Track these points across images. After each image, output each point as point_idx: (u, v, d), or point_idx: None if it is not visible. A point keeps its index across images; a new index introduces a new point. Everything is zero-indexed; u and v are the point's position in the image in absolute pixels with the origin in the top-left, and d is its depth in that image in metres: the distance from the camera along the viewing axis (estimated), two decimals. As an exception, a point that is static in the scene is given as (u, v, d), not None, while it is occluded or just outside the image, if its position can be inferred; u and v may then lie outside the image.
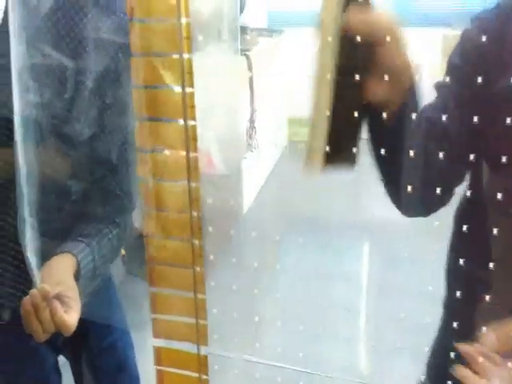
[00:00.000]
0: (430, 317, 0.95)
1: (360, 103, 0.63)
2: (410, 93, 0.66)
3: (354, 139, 0.65)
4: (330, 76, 0.59)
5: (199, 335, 0.66)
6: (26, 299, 0.81)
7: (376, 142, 0.69)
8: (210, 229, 0.63)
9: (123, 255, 2.23)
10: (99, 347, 1.17)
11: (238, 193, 3.30)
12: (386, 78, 0.61)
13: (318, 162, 0.64)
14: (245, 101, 3.28)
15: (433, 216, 0.83)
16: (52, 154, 0.87)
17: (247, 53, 3.31)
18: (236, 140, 3.16)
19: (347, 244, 2.94)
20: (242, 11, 3.43)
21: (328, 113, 0.61)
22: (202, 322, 0.66)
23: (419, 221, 0.83)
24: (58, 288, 0.84)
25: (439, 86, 0.83)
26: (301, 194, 2.85)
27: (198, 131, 0.60)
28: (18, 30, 0.76)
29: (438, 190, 0.70)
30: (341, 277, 2.59)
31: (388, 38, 0.58)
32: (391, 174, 0.73)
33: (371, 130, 0.68)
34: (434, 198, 0.72)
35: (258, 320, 1.98)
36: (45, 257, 0.88)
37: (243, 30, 3.52)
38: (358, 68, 0.60)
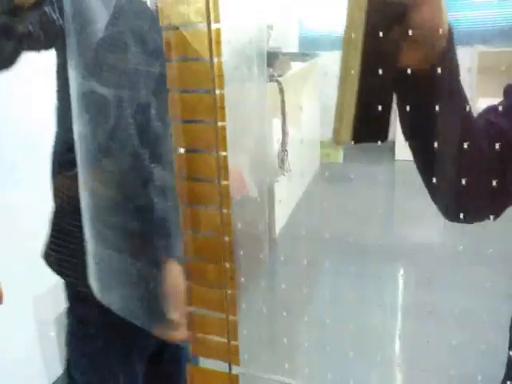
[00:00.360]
0: (457, 339, 0.95)
1: (393, 67, 0.57)
2: (446, 56, 0.59)
3: (385, 109, 0.58)
4: (359, 38, 0.56)
5: (231, 355, 0.69)
6: None
7: (413, 121, 0.63)
8: (242, 252, 0.67)
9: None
10: (172, 357, 1.25)
11: (270, 216, 3.33)
12: (421, 39, 0.56)
13: (347, 134, 0.58)
14: (277, 125, 3.34)
15: (468, 237, 0.78)
16: (97, 181, 0.93)
17: (279, 78, 3.36)
18: (268, 163, 3.21)
19: (380, 267, 2.93)
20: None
21: (357, 80, 0.57)
22: (233, 342, 0.69)
23: (453, 244, 0.83)
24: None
25: (510, 91, 0.74)
26: (333, 217, 2.86)
27: (231, 155, 0.64)
28: (73, 61, 0.83)
29: (488, 199, 0.63)
30: (372, 300, 2.58)
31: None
32: (432, 166, 0.65)
33: (404, 107, 0.62)
34: (483, 206, 0.66)
35: (288, 342, 2.00)
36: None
37: (275, 55, 3.59)
38: (390, 29, 0.55)
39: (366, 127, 0.59)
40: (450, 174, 0.63)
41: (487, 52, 4.10)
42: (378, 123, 0.59)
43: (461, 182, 0.61)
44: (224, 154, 0.62)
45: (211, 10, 0.55)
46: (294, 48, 4.81)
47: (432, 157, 0.62)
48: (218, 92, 0.57)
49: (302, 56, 4.23)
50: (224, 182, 0.63)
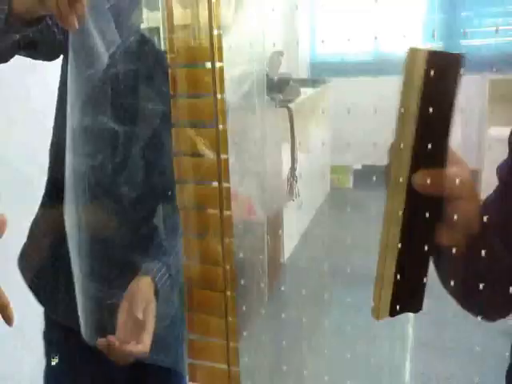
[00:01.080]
0: (478, 377, 0.94)
1: (429, 246, 0.60)
2: (480, 238, 0.61)
3: (421, 282, 0.61)
4: (399, 216, 0.58)
5: (231, 381, 0.70)
6: (101, 341, 0.89)
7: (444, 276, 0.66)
8: (243, 281, 0.69)
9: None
10: None
11: (279, 241, 3.34)
12: (456, 225, 0.58)
13: (386, 311, 0.61)
14: (286, 150, 3.37)
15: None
16: (100, 212, 0.96)
17: (289, 104, 3.40)
18: (277, 189, 3.23)
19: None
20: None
21: (395, 260, 0.59)
22: (234, 368, 0.70)
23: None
24: (142, 307, 0.91)
25: None
26: (342, 244, 2.86)
27: (238, 181, 0.66)
28: (74, 97, 0.86)
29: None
30: (378, 331, 2.56)
31: (461, 195, 0.57)
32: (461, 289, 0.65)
33: (439, 267, 0.65)
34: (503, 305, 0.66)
35: (287, 370, 1.99)
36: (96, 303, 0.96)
37: (285, 81, 3.64)
38: (428, 211, 0.58)
39: (404, 301, 0.61)
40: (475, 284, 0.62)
41: (499, 80, 4.11)
42: (415, 296, 0.61)
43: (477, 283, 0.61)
44: (227, 185, 0.64)
45: (215, 50, 0.58)
46: (304, 74, 4.87)
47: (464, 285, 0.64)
48: (220, 127, 0.60)
49: (312, 82, 4.28)
50: (227, 213, 0.65)
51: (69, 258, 0.97)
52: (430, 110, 0.53)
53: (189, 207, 0.68)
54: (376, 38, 4.59)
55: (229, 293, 0.66)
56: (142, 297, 0.93)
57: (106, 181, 0.93)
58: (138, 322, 0.90)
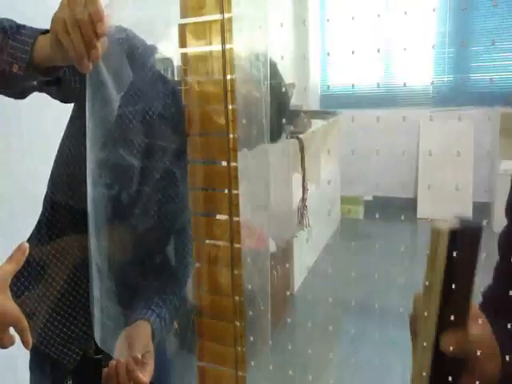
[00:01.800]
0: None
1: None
2: None
3: None
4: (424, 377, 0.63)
5: (239, 410, 0.72)
6: (111, 367, 0.93)
7: None
8: (251, 312, 0.71)
9: (176, 329, 2.30)
10: None
11: (289, 271, 3.35)
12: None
13: None
14: (297, 181, 3.40)
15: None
16: (118, 239, 0.99)
17: (300, 135, 3.45)
18: (287, 219, 3.26)
19: (401, 333, 2.88)
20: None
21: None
22: (242, 397, 0.72)
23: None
24: (144, 351, 0.96)
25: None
26: (351, 276, 2.85)
27: (249, 211, 0.69)
28: (94, 132, 0.90)
29: None
30: (389, 366, 2.54)
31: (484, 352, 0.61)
32: None
33: None
34: None
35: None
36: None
37: (296, 112, 3.70)
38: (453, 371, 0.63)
39: None
40: None
41: (510, 113, 4.12)
42: None
43: None
44: (237, 219, 0.67)
45: (228, 92, 0.62)
46: (315, 106, 4.94)
47: None
48: (232, 164, 0.63)
49: (323, 114, 4.34)
50: (236, 245, 0.68)
51: (57, 287, 1.02)
52: (453, 285, 0.60)
53: (199, 239, 0.71)
54: (387, 70, 4.65)
55: (238, 323, 0.68)
56: (142, 341, 0.98)
57: (123, 211, 0.97)
58: (138, 360, 0.94)
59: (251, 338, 0.71)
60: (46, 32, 0.83)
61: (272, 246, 2.88)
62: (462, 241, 0.59)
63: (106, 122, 0.91)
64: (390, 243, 3.48)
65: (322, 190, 3.92)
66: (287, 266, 3.32)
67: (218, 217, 0.67)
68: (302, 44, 4.68)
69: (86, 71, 0.78)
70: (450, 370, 0.62)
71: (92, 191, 0.90)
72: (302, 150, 3.44)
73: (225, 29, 0.65)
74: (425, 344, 0.61)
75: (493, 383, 0.64)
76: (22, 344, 0.78)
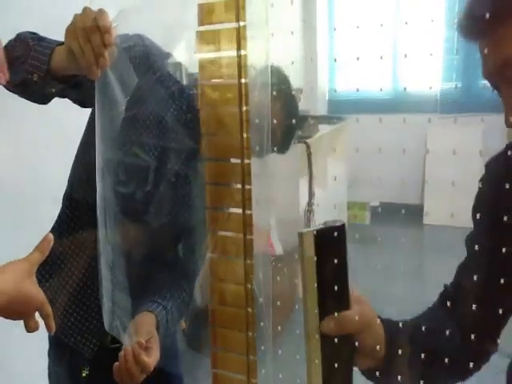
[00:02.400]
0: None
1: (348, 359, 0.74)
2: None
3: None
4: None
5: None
6: (120, 357, 0.99)
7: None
8: (262, 324, 0.76)
9: (184, 329, 2.33)
10: None
11: (296, 275, 3.38)
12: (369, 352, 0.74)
13: None
14: (304, 185, 3.44)
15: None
16: (131, 235, 1.05)
17: (307, 140, 3.49)
18: (294, 223, 3.29)
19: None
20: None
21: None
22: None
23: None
24: (147, 337, 1.02)
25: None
26: (358, 281, 2.87)
27: (257, 214, 0.74)
28: (102, 133, 0.95)
29: None
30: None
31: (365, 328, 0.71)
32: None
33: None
34: None
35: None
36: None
37: (304, 117, 3.73)
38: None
39: None
40: None
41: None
42: None
43: None
44: (249, 212, 0.72)
45: (243, 95, 0.66)
46: (322, 110, 4.97)
47: None
48: (245, 161, 0.68)
49: (330, 119, 4.37)
50: (248, 262, 0.72)
51: (76, 279, 1.06)
52: (327, 280, 0.68)
53: (213, 231, 0.76)
54: (395, 75, 4.69)
55: (250, 333, 0.72)
56: (146, 327, 1.04)
57: (135, 208, 1.02)
58: (142, 344, 1.00)
59: (262, 348, 0.76)
60: (62, 43, 0.90)
61: (279, 249, 2.92)
62: (327, 241, 0.67)
63: (115, 124, 0.97)
64: (395, 249, 3.48)
65: (328, 195, 3.95)
66: (294, 272, 3.35)
67: (232, 210, 0.72)
68: (311, 50, 4.72)
69: (95, 78, 0.86)
70: (337, 353, 0.70)
71: (102, 189, 0.95)
72: (309, 154, 3.48)
73: (240, 36, 0.70)
74: (317, 337, 0.69)
75: (378, 355, 0.73)
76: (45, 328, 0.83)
